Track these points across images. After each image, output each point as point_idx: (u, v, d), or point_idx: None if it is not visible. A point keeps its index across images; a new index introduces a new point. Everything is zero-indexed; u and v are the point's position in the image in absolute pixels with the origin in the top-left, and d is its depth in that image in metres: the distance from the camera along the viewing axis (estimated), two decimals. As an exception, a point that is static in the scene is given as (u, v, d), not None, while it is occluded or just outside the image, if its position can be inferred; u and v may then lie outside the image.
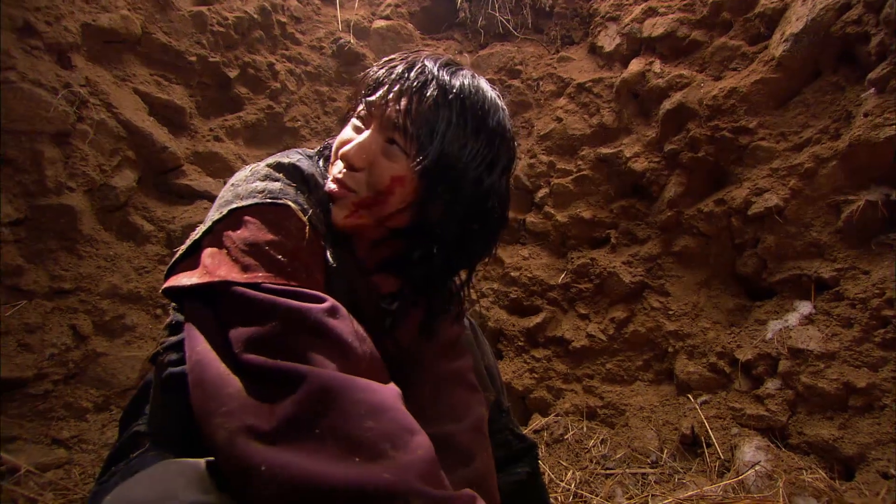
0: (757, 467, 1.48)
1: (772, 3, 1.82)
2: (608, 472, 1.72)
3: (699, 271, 2.00)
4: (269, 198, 0.70)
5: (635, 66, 2.17)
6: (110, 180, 1.88)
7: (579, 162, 2.27)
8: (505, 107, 0.82)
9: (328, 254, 0.75)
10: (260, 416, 0.54)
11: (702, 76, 2.01)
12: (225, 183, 0.78)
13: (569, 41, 2.58)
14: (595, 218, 2.22)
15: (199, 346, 0.60)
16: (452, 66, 0.79)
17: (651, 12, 2.19)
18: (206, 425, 0.55)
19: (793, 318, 1.67)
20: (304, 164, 0.79)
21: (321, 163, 0.86)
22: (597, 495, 1.60)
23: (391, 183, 0.75)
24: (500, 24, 2.63)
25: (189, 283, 0.64)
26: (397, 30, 2.63)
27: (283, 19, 2.46)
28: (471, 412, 0.84)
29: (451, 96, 0.75)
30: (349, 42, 2.53)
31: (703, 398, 1.81)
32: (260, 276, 0.63)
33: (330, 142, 0.88)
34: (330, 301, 0.64)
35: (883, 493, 1.30)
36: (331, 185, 0.78)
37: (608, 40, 2.36)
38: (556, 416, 2.03)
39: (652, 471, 1.68)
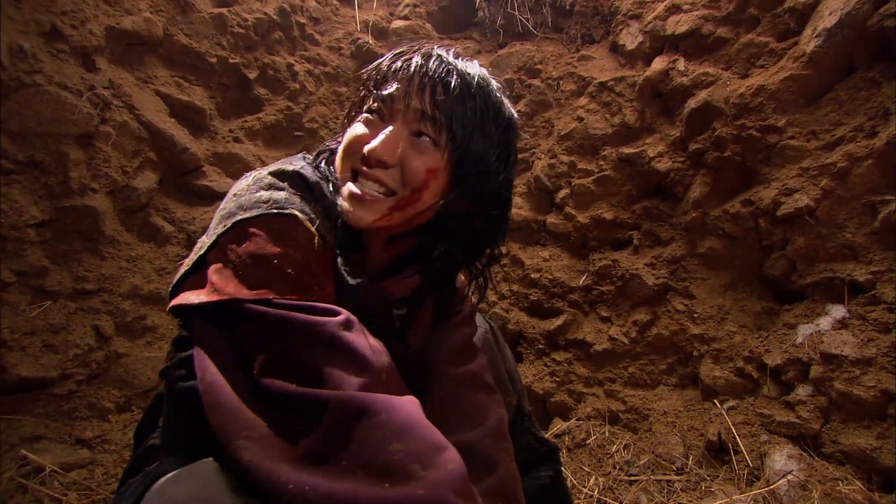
0: (789, 476, 1.44)
1: (802, -3, 1.77)
2: (632, 478, 1.68)
3: (725, 273, 1.95)
4: (275, 208, 0.67)
5: (658, 64, 2.12)
6: (132, 181, 1.90)
7: (601, 162, 2.23)
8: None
9: (338, 263, 0.74)
10: (283, 450, 0.52)
11: (728, 74, 1.96)
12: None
13: (589, 40, 2.55)
14: (617, 219, 2.18)
15: (210, 368, 0.58)
16: (464, 57, 0.79)
17: (674, 9, 2.14)
18: (229, 446, 0.53)
19: (825, 323, 1.61)
20: (308, 172, 0.76)
21: (325, 167, 0.82)
22: (621, 502, 1.57)
23: (426, 176, 0.73)
24: (520, 23, 2.60)
25: (197, 301, 0.62)
26: (415, 30, 2.62)
27: (302, 20, 2.47)
28: (490, 416, 0.82)
29: (474, 87, 0.74)
30: (367, 42, 2.53)
31: (730, 403, 1.77)
32: (270, 292, 0.61)
33: (331, 145, 0.85)
34: (344, 314, 0.62)
35: (925, 506, 1.25)
36: (353, 188, 0.74)
37: (630, 38, 2.32)
38: (578, 420, 1.99)
39: (678, 478, 1.64)
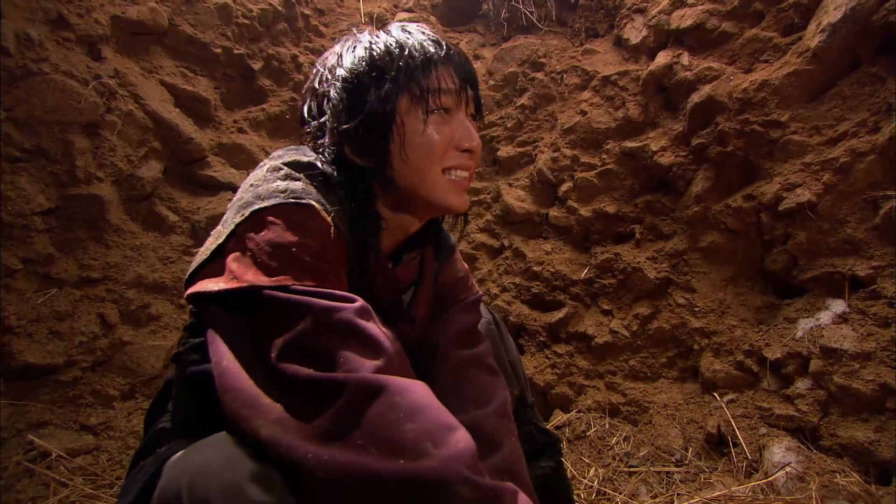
0: (787, 469, 1.45)
1: (807, -8, 1.77)
2: (632, 469, 1.69)
3: (726, 268, 1.96)
4: (293, 198, 0.68)
5: (662, 58, 2.12)
6: (137, 171, 1.91)
7: (604, 156, 2.24)
8: None
9: (353, 254, 0.75)
10: (300, 428, 0.53)
11: (731, 69, 1.96)
12: (247, 175, 0.76)
13: (593, 34, 2.54)
14: (619, 212, 2.19)
15: (226, 354, 0.60)
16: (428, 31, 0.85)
17: (679, 3, 2.14)
18: (246, 426, 0.54)
19: (825, 317, 1.62)
20: (320, 164, 0.77)
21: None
22: (620, 493, 1.59)
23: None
24: (524, 16, 2.60)
25: (217, 288, 0.62)
26: (419, 22, 2.62)
27: (307, 11, 2.47)
28: (494, 397, 0.84)
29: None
30: (371, 35, 2.52)
31: (730, 397, 1.78)
32: (288, 279, 0.62)
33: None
34: (360, 301, 0.64)
35: (921, 498, 1.26)
36: (458, 180, 0.81)
37: (634, 32, 2.31)
38: (578, 412, 2.01)
39: (677, 469, 1.65)
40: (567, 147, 2.33)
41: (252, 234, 0.65)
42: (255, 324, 0.62)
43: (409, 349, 0.70)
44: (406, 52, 0.75)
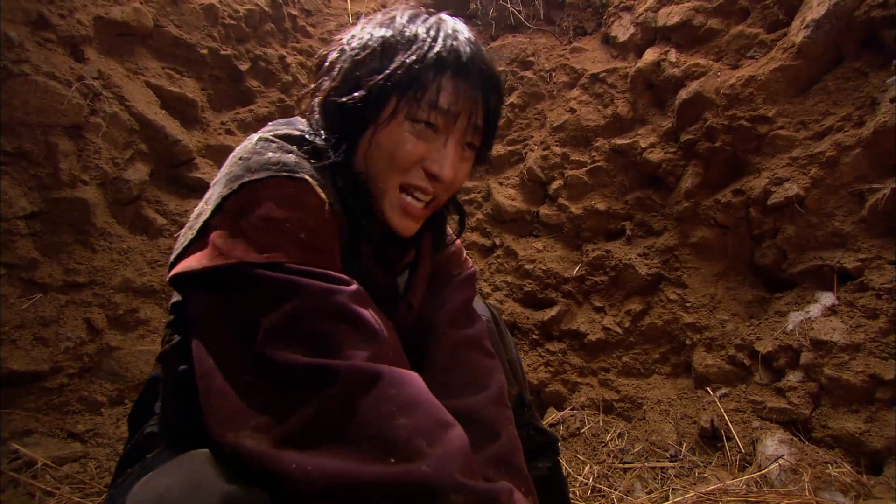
0: (780, 461, 1.46)
1: (792, -11, 1.78)
2: (626, 466, 1.69)
3: (716, 263, 1.97)
4: (286, 171, 0.63)
5: (650, 55, 2.13)
6: (123, 173, 1.88)
7: (593, 153, 2.24)
8: None
9: (345, 234, 0.72)
10: (285, 433, 0.51)
11: (718, 65, 1.97)
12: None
13: (581, 32, 2.55)
14: (610, 210, 2.19)
15: (206, 359, 0.56)
16: (477, 43, 0.75)
17: (666, 1, 2.15)
18: (230, 440, 0.51)
19: (815, 310, 1.64)
20: (310, 138, 0.73)
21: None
22: (616, 490, 1.58)
23: (464, 179, 0.79)
24: (512, 15, 2.60)
25: (200, 266, 0.57)
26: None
27: (294, 12, 2.45)
28: (492, 381, 0.83)
29: (502, 84, 0.77)
30: (360, 35, 2.51)
31: (723, 391, 1.79)
32: (282, 256, 0.58)
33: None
34: (355, 284, 0.61)
35: (912, 486, 1.27)
36: (407, 203, 0.74)
37: (622, 30, 2.33)
38: (572, 409, 2.01)
39: (671, 465, 1.66)
40: (557, 145, 2.33)
41: (242, 209, 0.60)
42: (241, 303, 0.57)
43: (403, 334, 0.69)
44: (421, 47, 0.69)
